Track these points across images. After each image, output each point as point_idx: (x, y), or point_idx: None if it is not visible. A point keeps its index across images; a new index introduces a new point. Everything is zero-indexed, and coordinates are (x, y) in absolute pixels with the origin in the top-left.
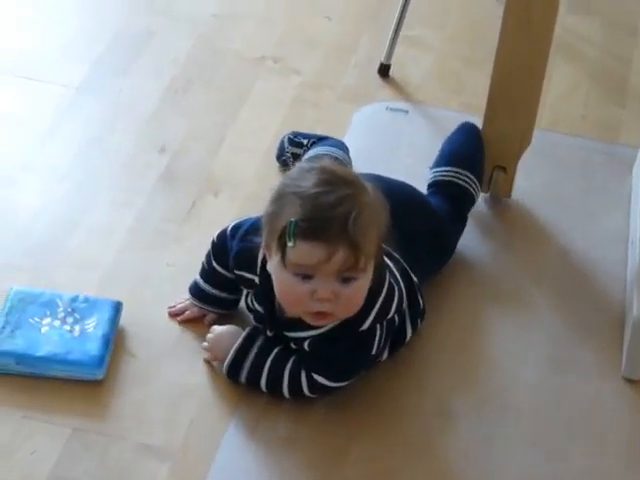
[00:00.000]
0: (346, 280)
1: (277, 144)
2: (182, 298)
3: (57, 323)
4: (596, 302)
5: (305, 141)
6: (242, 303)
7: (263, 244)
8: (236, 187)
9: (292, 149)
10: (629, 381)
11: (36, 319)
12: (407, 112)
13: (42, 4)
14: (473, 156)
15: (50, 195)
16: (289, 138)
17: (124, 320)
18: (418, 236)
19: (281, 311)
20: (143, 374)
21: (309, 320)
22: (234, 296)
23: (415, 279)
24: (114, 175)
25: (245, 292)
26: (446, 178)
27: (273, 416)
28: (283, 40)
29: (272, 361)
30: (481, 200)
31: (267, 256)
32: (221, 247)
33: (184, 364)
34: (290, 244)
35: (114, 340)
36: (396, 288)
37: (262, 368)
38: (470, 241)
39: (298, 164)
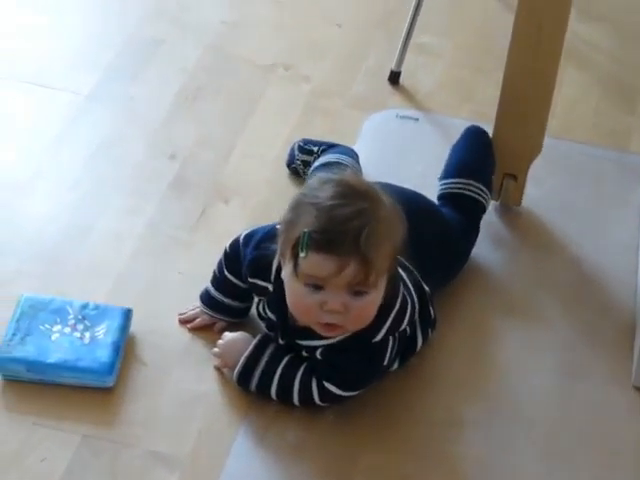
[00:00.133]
0: (357, 293)
1: (287, 151)
2: (192, 305)
3: (67, 330)
4: (607, 310)
5: (315, 148)
6: (253, 310)
7: (278, 251)
8: (246, 194)
9: (302, 156)
10: None
11: (46, 326)
12: (417, 120)
13: (53, 12)
14: (481, 165)
15: (60, 202)
16: (299, 145)
17: (134, 327)
18: (429, 245)
19: (294, 319)
20: (153, 381)
21: (319, 330)
22: (245, 304)
23: (427, 289)
24: (124, 182)
25: (257, 300)
26: (456, 190)
27: (282, 424)
28: (293, 47)
29: (283, 369)
30: (491, 208)
31: (282, 263)
32: (234, 256)
33: (194, 371)
34: (302, 254)
35: (124, 347)
36: (409, 300)
37: (273, 376)
38: (480, 249)
39: (318, 174)
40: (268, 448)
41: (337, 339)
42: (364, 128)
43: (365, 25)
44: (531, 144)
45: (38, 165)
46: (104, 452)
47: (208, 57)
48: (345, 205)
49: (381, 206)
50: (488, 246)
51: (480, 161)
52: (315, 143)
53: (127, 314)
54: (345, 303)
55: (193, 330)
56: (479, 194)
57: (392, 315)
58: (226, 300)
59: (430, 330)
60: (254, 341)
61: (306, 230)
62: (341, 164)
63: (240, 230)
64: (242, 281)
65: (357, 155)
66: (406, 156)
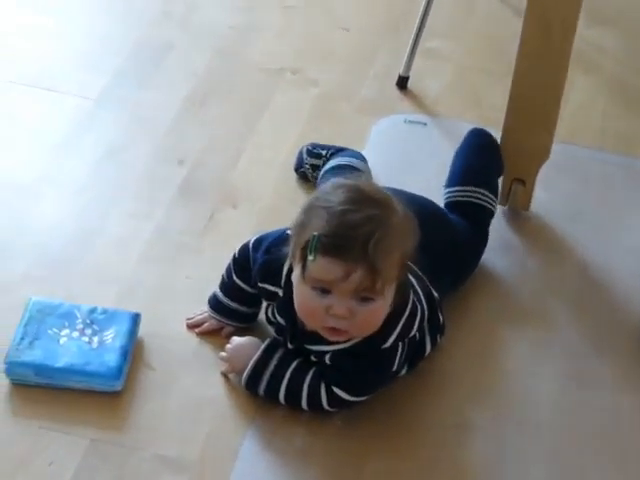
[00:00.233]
0: (363, 299)
1: (295, 155)
2: (200, 310)
3: (75, 334)
4: (615, 316)
5: (324, 152)
6: (261, 315)
7: (290, 254)
8: (254, 199)
9: (311, 160)
10: None
11: (55, 330)
12: (425, 124)
13: (61, 16)
14: (485, 170)
15: (68, 206)
16: (307, 149)
17: (142, 332)
18: (437, 251)
19: (303, 324)
20: (161, 386)
21: (325, 335)
22: (253, 310)
23: (435, 294)
24: (132, 187)
25: (265, 305)
26: (462, 199)
27: (289, 428)
28: (301, 52)
29: (292, 373)
30: (500, 213)
31: (293, 265)
32: (243, 261)
33: (202, 376)
34: (310, 258)
35: (132, 352)
36: (419, 307)
37: (281, 380)
38: (489, 254)
39: (332, 179)
40: (275, 452)
41: (346, 345)
42: (372, 133)
43: (373, 29)
44: (539, 149)
45: (45, 169)
46: (112, 456)
47: (216, 62)
48: (356, 211)
49: (393, 214)
50: (496, 251)
51: (484, 166)
52: (323, 147)
53: (135, 318)
54: (351, 308)
55: (201, 335)
56: (486, 201)
57: (402, 321)
58: (234, 305)
59: (439, 336)
60: (263, 345)
61: (316, 234)
62: (352, 167)
63: (248, 234)
64: (251, 286)
65: (365, 158)
66: (414, 161)
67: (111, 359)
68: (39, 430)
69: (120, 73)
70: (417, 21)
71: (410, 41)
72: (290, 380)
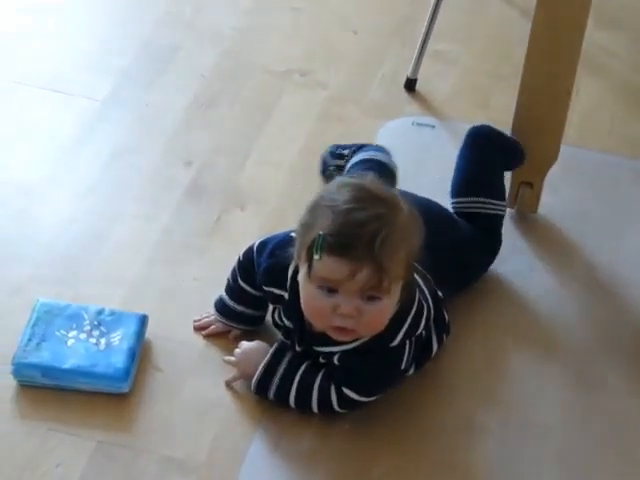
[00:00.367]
0: (370, 298)
1: (304, 158)
2: (207, 312)
3: (83, 336)
4: (623, 318)
5: (346, 152)
6: (268, 317)
7: (295, 254)
8: (262, 201)
9: (335, 162)
10: None
11: (62, 332)
12: (434, 127)
13: (68, 17)
14: (490, 176)
15: (76, 208)
16: (330, 152)
17: (150, 333)
18: (441, 250)
19: (310, 326)
20: (168, 387)
21: (332, 334)
22: (259, 312)
23: (440, 294)
24: (140, 188)
25: (272, 308)
26: (470, 210)
27: (297, 431)
28: (309, 54)
29: (301, 376)
30: (507, 215)
31: (299, 266)
32: (247, 265)
33: (209, 378)
34: (316, 257)
35: (139, 353)
36: (425, 305)
37: (291, 384)
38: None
39: (338, 177)
40: (282, 455)
41: (354, 344)
42: (380, 135)
43: (381, 32)
44: (548, 152)
45: (53, 171)
46: (119, 458)
47: (224, 63)
48: (361, 209)
49: (399, 212)
50: (504, 253)
51: (488, 172)
52: (345, 147)
53: (143, 320)
54: (358, 307)
55: (207, 337)
56: (494, 209)
57: (409, 320)
58: (240, 308)
59: (445, 335)
60: (271, 350)
61: (321, 233)
62: (376, 160)
63: (256, 236)
64: (256, 289)
65: (389, 152)
66: (423, 163)
67: (118, 361)
68: (46, 431)
69: (127, 75)
70: (425, 23)
71: (418, 43)
72: (300, 383)
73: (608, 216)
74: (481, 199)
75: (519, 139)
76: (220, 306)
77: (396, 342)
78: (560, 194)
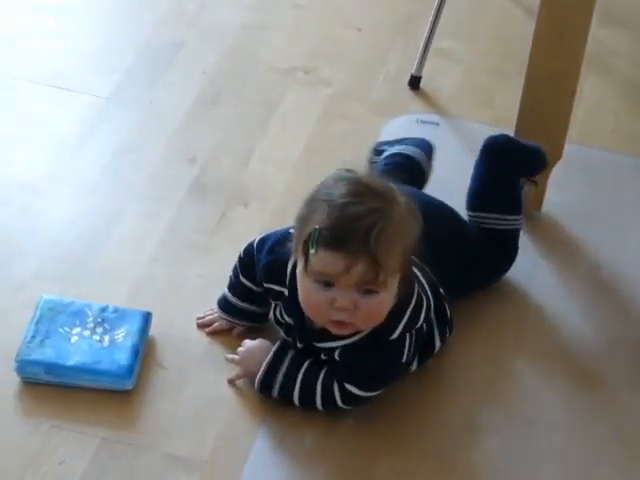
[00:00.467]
0: (367, 292)
1: (308, 155)
2: (211, 309)
3: (87, 333)
4: (627, 317)
5: (387, 147)
6: (271, 315)
7: (293, 248)
8: (266, 198)
9: (376, 159)
10: None
11: (66, 329)
12: (438, 124)
13: (73, 14)
14: (508, 192)
15: (80, 205)
16: (373, 149)
17: (153, 331)
18: (450, 254)
19: (311, 322)
20: (172, 385)
21: (331, 328)
22: (262, 309)
23: (442, 292)
24: (143, 186)
25: (273, 305)
26: (488, 226)
27: (301, 428)
28: (313, 51)
29: (304, 373)
30: None
31: (297, 260)
32: (248, 261)
33: (213, 375)
34: (312, 251)
35: (143, 350)
36: (424, 298)
37: (294, 382)
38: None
39: (336, 171)
40: (286, 452)
41: (354, 339)
42: (384, 133)
43: (385, 29)
44: (551, 150)
45: (57, 168)
46: (123, 455)
47: (227, 61)
48: (357, 203)
49: (395, 206)
50: None
51: (504, 187)
52: (387, 142)
53: (146, 317)
54: (355, 301)
55: (211, 334)
56: (509, 224)
57: (408, 313)
58: (243, 305)
59: (448, 331)
60: (274, 348)
61: (317, 227)
62: (402, 154)
63: (259, 234)
64: (257, 285)
65: (430, 146)
66: None
67: (122, 358)
68: (49, 429)
69: (131, 72)
70: (430, 21)
71: (422, 41)
72: (303, 381)
73: (612, 214)
74: (503, 216)
75: (523, 137)
76: (223, 303)
77: (395, 335)
78: (564, 192)
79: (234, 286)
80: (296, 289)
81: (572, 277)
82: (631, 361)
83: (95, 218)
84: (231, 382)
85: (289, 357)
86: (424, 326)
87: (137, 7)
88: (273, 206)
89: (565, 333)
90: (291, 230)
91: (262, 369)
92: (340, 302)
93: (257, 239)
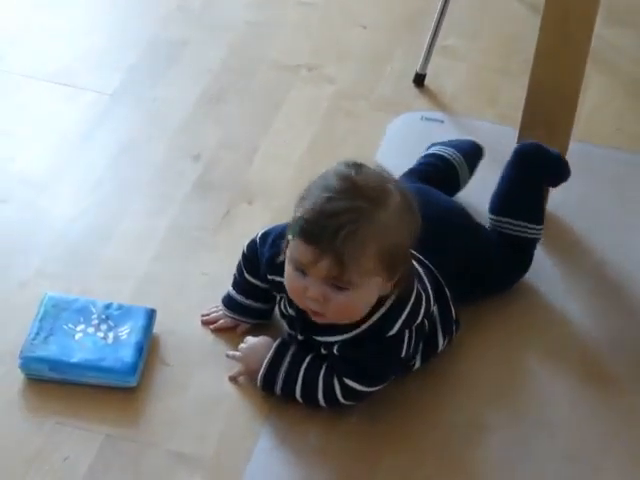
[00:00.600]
0: (338, 288)
1: (312, 152)
2: (215, 306)
3: (91, 330)
4: (631, 316)
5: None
6: (276, 312)
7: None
8: (270, 195)
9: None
10: None
11: (70, 325)
12: (442, 122)
13: (77, 11)
14: (534, 200)
15: (84, 202)
16: (427, 148)
17: (157, 328)
18: (458, 255)
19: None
20: (176, 382)
21: (310, 315)
22: (266, 306)
23: (447, 291)
24: (148, 183)
25: (278, 298)
26: (514, 233)
27: (304, 425)
28: (318, 49)
29: (305, 369)
30: None
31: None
32: (251, 257)
33: (217, 373)
34: (289, 237)
35: (147, 347)
36: (424, 295)
37: (296, 378)
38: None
39: (338, 163)
40: (290, 450)
41: (352, 334)
42: (388, 130)
43: (390, 27)
44: (556, 148)
45: (61, 165)
46: (126, 452)
47: (232, 58)
48: (340, 200)
49: (380, 208)
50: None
51: (530, 195)
52: (439, 143)
53: (151, 314)
54: (324, 294)
55: (216, 332)
56: (534, 233)
57: (407, 309)
58: (248, 302)
59: (454, 330)
60: (274, 344)
61: (299, 215)
62: (439, 155)
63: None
64: (262, 281)
65: (477, 150)
66: None
67: (126, 355)
68: (53, 425)
69: (136, 69)
70: (434, 19)
71: (427, 38)
72: (304, 376)
73: (617, 212)
74: (527, 224)
75: (527, 135)
76: (228, 301)
77: (394, 331)
78: (568, 191)
79: (238, 284)
80: None
81: (577, 275)
82: (636, 360)
83: (99, 215)
84: (232, 379)
85: (290, 353)
86: (425, 323)
87: (142, 4)
88: (277, 203)
89: (571, 331)
90: None
91: (264, 366)
92: (311, 292)
93: (259, 233)
